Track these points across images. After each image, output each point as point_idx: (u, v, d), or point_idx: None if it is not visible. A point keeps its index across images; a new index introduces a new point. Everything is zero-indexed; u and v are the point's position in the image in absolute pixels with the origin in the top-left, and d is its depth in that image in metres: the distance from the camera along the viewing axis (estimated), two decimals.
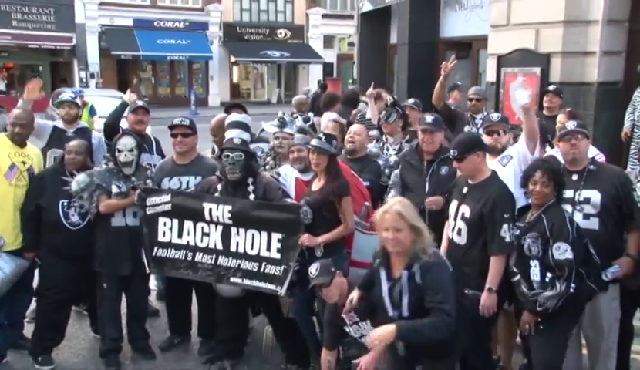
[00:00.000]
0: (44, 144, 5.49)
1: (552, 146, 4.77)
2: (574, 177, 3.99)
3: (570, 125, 4.06)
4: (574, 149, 3.98)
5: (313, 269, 3.79)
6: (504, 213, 3.74)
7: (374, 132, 5.85)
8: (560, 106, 6.19)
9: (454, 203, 4.02)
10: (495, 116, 4.52)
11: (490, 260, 3.77)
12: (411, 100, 6.24)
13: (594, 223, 3.91)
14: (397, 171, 4.92)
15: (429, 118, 4.68)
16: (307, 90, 17.19)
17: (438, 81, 6.06)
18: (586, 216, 3.91)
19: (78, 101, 6.00)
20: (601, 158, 5.24)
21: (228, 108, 6.34)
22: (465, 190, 3.97)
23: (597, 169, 4.01)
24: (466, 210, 3.90)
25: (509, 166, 4.28)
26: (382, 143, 5.63)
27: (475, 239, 3.86)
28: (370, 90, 6.59)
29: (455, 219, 3.97)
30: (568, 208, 3.87)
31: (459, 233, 3.94)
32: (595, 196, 3.90)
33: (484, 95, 6.91)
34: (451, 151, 4.00)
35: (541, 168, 3.71)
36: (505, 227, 3.71)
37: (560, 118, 5.16)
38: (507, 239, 3.71)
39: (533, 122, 4.24)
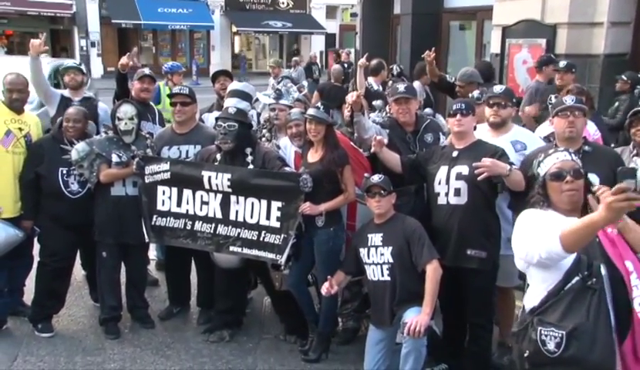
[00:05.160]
0: (54, 112, 5.44)
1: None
2: None
3: (569, 100, 3.77)
4: (572, 126, 3.66)
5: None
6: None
7: (378, 102, 5.79)
8: (573, 81, 6.06)
9: (443, 169, 3.97)
10: (498, 88, 4.39)
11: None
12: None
13: None
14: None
15: (401, 87, 4.59)
16: (299, 60, 17.89)
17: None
18: None
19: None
20: (597, 136, 5.14)
21: (215, 76, 6.26)
22: (455, 154, 3.97)
23: (592, 150, 3.73)
24: (463, 169, 3.88)
25: (521, 154, 4.08)
26: (384, 113, 5.56)
27: (477, 195, 3.85)
28: (362, 61, 6.80)
29: (448, 182, 3.93)
30: None
31: (457, 193, 3.91)
32: (595, 180, 3.47)
33: (470, 80, 6.21)
34: (460, 104, 3.99)
35: None
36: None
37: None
38: None
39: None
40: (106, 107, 5.70)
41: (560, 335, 2.51)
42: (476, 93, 4.92)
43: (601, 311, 2.49)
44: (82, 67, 5.89)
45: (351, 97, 4.34)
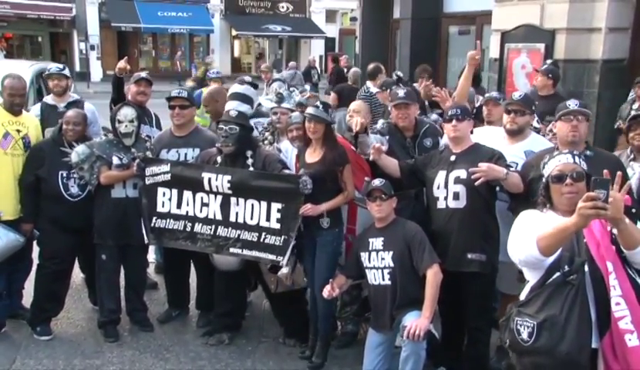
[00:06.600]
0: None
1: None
2: None
3: (573, 104, 3.76)
4: (575, 130, 3.67)
5: None
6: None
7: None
8: (553, 85, 6.03)
9: (442, 173, 3.98)
10: (516, 95, 4.34)
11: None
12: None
13: None
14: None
15: (401, 92, 4.62)
16: (294, 65, 17.85)
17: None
18: None
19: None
20: None
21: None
22: (452, 158, 3.98)
23: (593, 154, 3.72)
24: (461, 173, 3.89)
25: None
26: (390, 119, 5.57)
27: (475, 199, 3.86)
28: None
29: (446, 186, 3.95)
30: None
31: (455, 197, 3.92)
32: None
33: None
34: (455, 109, 4.00)
35: None
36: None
37: None
38: None
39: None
40: (93, 108, 5.65)
41: (532, 325, 2.65)
42: (494, 94, 4.92)
43: (576, 305, 2.58)
44: (66, 71, 5.71)
45: (355, 126, 4.27)
